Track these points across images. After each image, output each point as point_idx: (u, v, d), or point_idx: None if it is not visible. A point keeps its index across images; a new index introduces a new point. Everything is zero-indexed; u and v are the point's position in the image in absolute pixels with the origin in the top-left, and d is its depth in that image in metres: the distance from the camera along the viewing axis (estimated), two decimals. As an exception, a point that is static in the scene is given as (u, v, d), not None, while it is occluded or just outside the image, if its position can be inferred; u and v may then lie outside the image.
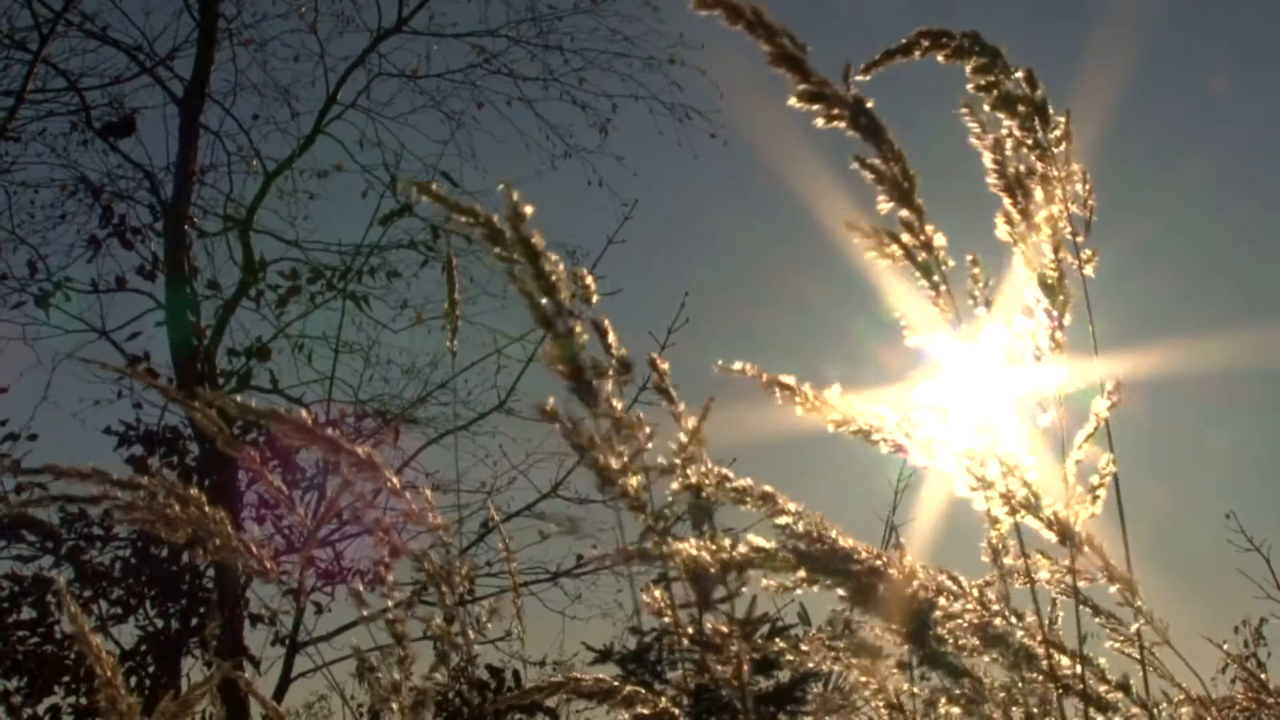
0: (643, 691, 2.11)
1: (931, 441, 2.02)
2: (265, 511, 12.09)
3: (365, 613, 2.05)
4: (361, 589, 2.04)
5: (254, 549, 2.04)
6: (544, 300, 1.72)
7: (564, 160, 15.23)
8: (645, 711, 2.10)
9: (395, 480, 1.99)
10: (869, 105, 1.74)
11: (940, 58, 1.79)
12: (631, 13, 14.74)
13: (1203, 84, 18.96)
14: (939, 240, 1.84)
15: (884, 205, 1.80)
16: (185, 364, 12.39)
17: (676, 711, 2.10)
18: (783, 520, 2.05)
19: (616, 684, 2.12)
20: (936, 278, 1.86)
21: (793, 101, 1.70)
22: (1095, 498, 2.08)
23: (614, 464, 1.83)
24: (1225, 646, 3.52)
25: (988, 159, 1.89)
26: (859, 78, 1.74)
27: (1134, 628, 2.28)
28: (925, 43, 1.77)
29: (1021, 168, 1.90)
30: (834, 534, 2.04)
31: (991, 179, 1.89)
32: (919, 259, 1.84)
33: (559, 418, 1.82)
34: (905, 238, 1.83)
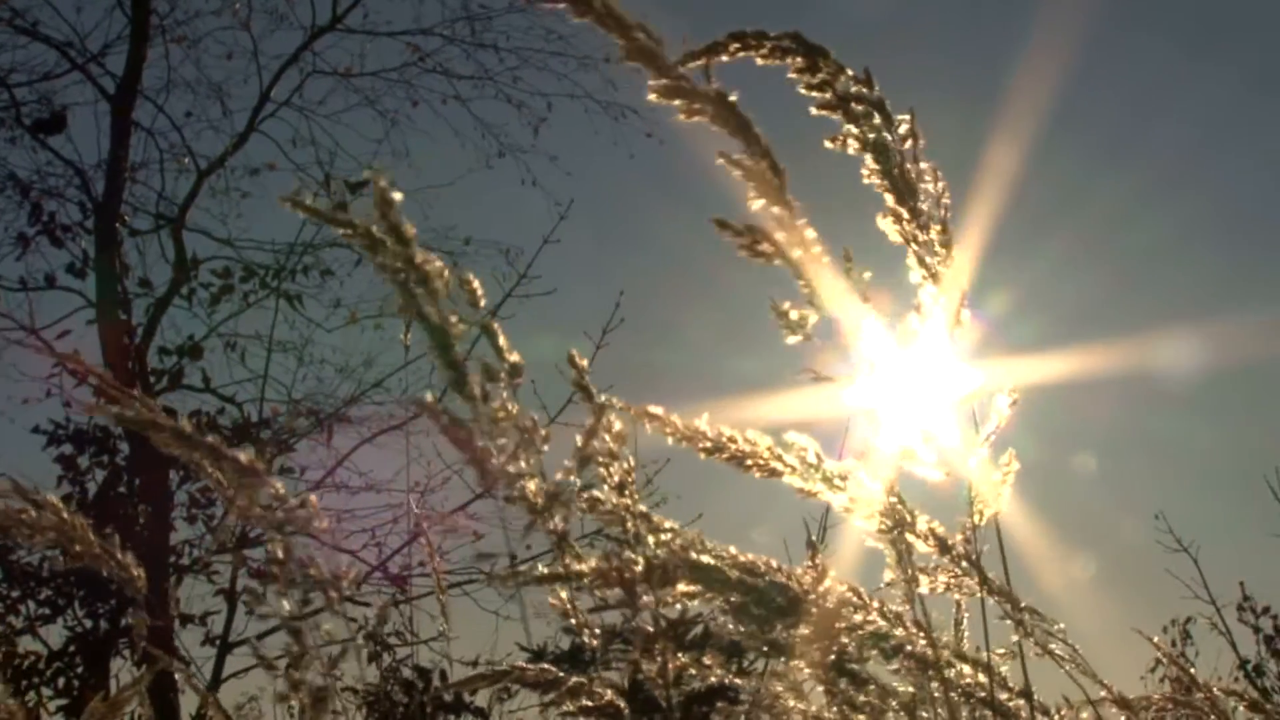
0: (586, 683, 2.11)
1: (805, 465, 2.03)
2: (197, 511, 12.03)
3: (262, 612, 2.04)
4: (259, 588, 2.03)
5: (118, 555, 2.03)
6: (419, 290, 1.71)
7: (499, 160, 15.18)
8: (589, 704, 2.10)
9: (279, 486, 1.97)
10: (732, 99, 1.70)
11: (758, 59, 1.75)
12: (566, 11, 14.69)
13: (1145, 81, 19.12)
14: (811, 236, 1.82)
15: (753, 202, 1.78)
16: (116, 363, 12.29)
17: (621, 704, 2.10)
18: (661, 537, 2.06)
19: (561, 675, 2.11)
20: (812, 276, 1.85)
21: (651, 96, 1.68)
22: (1000, 494, 2.10)
23: (507, 464, 1.83)
24: (1155, 642, 3.55)
25: (868, 159, 1.88)
26: (683, 68, 1.70)
27: (1013, 639, 2.29)
28: (734, 45, 1.72)
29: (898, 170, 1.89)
30: (731, 552, 2.06)
31: (874, 179, 1.88)
32: (792, 257, 1.83)
33: (437, 413, 1.81)
34: (779, 235, 1.81)
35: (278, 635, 2.12)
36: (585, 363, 2.13)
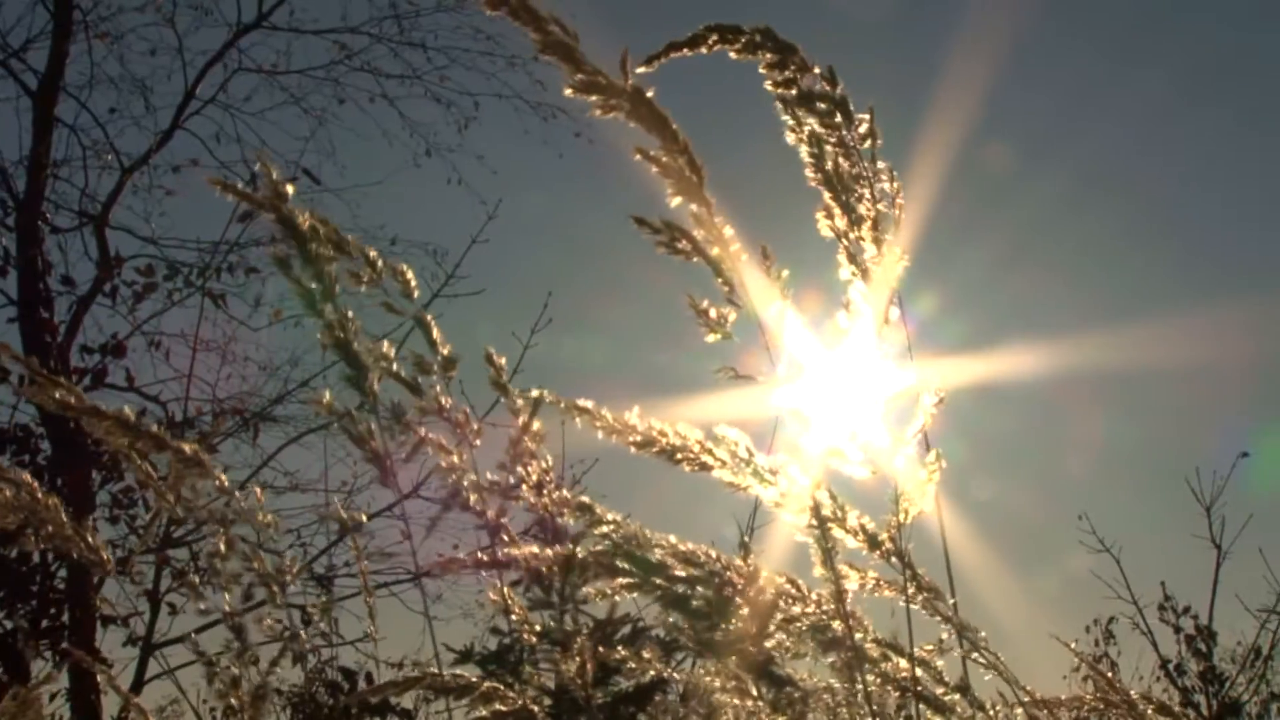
0: (501, 688, 2.11)
1: (735, 459, 2.04)
2: (119, 512, 11.91)
3: (203, 606, 2.03)
4: (198, 582, 2.02)
5: (89, 538, 2.01)
6: (313, 285, 1.71)
7: (426, 159, 15.13)
8: (503, 709, 2.10)
9: (223, 478, 1.96)
10: (649, 95, 1.71)
11: (731, 53, 1.75)
12: (480, 6, 14.67)
13: (1074, 80, 19.27)
14: (730, 233, 1.83)
15: (671, 199, 1.78)
16: (38, 361, 12.15)
17: (535, 709, 2.10)
18: (601, 529, 2.06)
19: (475, 680, 2.11)
20: (731, 273, 1.85)
21: (568, 92, 1.68)
22: (927, 493, 2.11)
23: (451, 460, 1.83)
24: (1075, 645, 3.58)
25: (804, 153, 1.88)
26: (641, 70, 1.71)
27: (943, 636, 2.30)
28: (713, 38, 1.73)
29: (831, 165, 1.90)
30: (657, 542, 2.06)
31: (809, 173, 1.88)
32: (710, 254, 1.83)
33: (334, 410, 1.81)
34: (696, 233, 1.82)
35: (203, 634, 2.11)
36: (503, 361, 2.13)
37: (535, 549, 2.02)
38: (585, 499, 2.11)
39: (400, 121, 15.31)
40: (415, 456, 1.89)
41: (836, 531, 2.11)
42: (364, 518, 2.34)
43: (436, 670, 2.12)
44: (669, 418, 2.07)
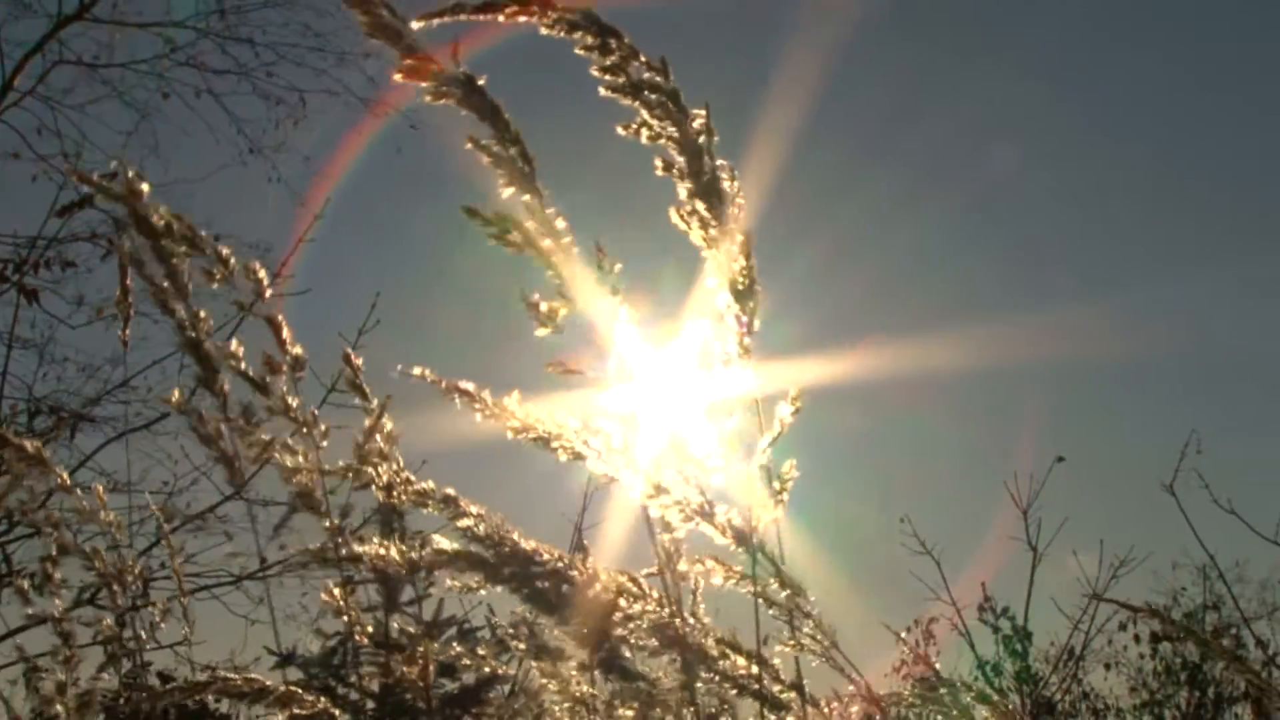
0: (299, 692, 2.08)
1: (610, 449, 2.04)
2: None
3: (30, 612, 1.98)
4: (27, 587, 1.96)
5: None
6: (165, 283, 1.68)
7: (252, 156, 14.94)
8: (300, 713, 2.07)
9: (65, 476, 1.91)
10: (481, 83, 1.69)
11: (542, 29, 1.70)
12: (324, 7, 14.58)
13: (904, 82, 19.53)
14: (561, 225, 1.81)
15: (504, 190, 1.76)
16: None
17: (336, 712, 2.08)
18: (464, 523, 2.04)
19: (269, 684, 2.08)
20: (562, 266, 1.84)
21: (397, 77, 1.65)
22: (780, 501, 2.12)
23: (290, 461, 1.81)
24: (898, 645, 3.64)
25: (680, 161, 1.87)
26: (416, 25, 1.65)
27: (805, 629, 2.32)
28: (513, 8, 1.68)
29: (708, 172, 1.88)
30: (515, 537, 2.05)
31: (685, 182, 1.87)
32: (541, 247, 1.81)
33: (186, 410, 1.78)
34: (529, 224, 1.79)
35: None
36: (360, 361, 2.11)
37: (380, 549, 2.00)
38: (451, 491, 2.09)
39: (226, 118, 15.11)
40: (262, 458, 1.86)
41: (704, 527, 2.11)
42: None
43: (259, 678, 2.09)
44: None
